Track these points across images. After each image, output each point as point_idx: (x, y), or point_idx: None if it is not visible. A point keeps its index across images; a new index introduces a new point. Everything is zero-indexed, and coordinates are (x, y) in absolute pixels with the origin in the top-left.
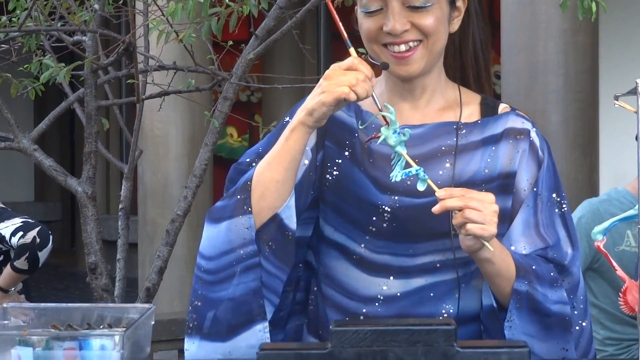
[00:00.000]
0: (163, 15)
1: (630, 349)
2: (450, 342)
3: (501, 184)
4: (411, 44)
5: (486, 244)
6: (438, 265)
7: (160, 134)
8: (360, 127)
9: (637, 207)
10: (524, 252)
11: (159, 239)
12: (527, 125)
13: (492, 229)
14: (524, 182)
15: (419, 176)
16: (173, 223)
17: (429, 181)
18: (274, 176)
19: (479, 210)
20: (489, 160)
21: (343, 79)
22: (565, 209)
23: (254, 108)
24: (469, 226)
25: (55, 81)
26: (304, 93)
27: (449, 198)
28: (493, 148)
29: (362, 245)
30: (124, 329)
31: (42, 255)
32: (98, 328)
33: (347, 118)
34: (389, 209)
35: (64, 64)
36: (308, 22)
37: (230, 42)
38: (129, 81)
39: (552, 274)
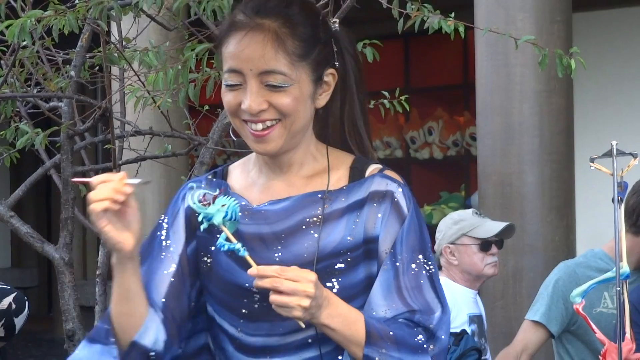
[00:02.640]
0: (139, 80)
1: None
2: None
3: (366, 250)
4: (268, 122)
5: (299, 322)
6: (310, 340)
7: (137, 199)
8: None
9: (614, 269)
10: (386, 317)
11: None
12: (392, 186)
13: (296, 313)
14: (385, 244)
15: (239, 253)
16: None
17: (247, 257)
18: (121, 309)
19: (288, 294)
20: (353, 227)
21: (90, 198)
22: (433, 270)
23: None
24: (273, 306)
25: (32, 147)
26: None
27: (260, 277)
28: (357, 214)
29: (239, 329)
30: None
31: (19, 321)
32: None
33: None
34: (256, 290)
35: (40, 130)
36: None
37: (207, 107)
38: (105, 147)
39: (416, 339)
